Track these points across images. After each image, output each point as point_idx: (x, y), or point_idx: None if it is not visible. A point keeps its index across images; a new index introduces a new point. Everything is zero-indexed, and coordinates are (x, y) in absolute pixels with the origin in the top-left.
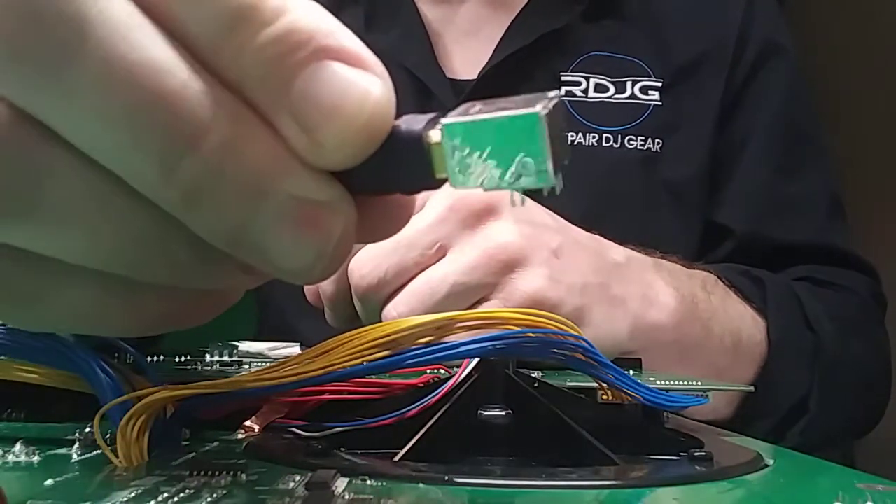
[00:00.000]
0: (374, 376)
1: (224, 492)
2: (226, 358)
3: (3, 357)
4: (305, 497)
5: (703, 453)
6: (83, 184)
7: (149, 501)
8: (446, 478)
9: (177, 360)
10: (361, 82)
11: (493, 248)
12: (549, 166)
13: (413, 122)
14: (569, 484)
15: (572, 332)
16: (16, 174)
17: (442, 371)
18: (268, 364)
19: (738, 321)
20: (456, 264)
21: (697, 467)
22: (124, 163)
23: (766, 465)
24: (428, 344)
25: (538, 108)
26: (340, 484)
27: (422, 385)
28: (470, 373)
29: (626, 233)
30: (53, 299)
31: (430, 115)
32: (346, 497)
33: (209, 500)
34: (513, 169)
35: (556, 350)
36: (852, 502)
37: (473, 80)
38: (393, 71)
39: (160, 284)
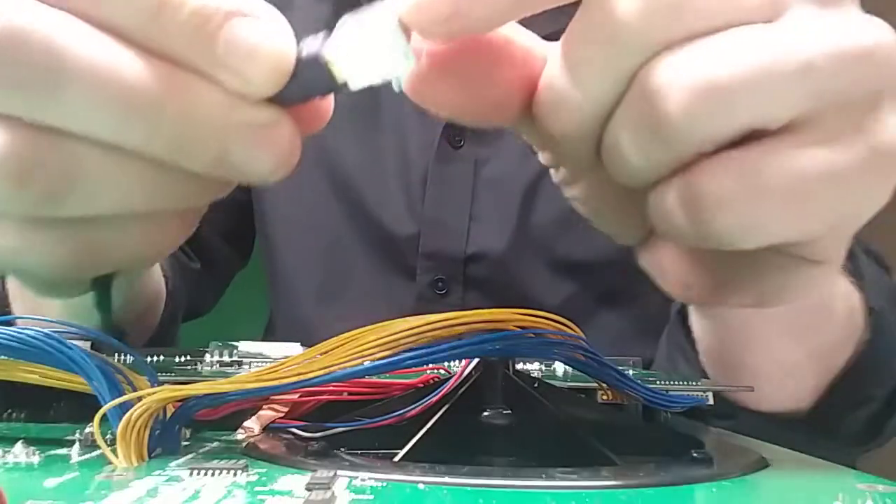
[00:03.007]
0: (374, 376)
1: (224, 492)
2: (226, 358)
3: (3, 357)
4: (305, 497)
5: (703, 453)
6: (105, 162)
7: (149, 501)
8: (446, 478)
9: (177, 360)
10: (264, 27)
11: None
12: (409, 49)
13: (310, 45)
14: (569, 484)
15: (571, 332)
16: (56, 177)
17: (442, 371)
18: (268, 364)
19: (844, 287)
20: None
21: (697, 467)
22: (119, 137)
23: (767, 465)
24: (428, 344)
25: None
26: (340, 484)
27: (422, 385)
28: (470, 373)
29: None
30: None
31: (322, 35)
32: (346, 497)
33: (209, 500)
34: (388, 61)
35: (556, 350)
36: (852, 502)
37: None
38: None
39: (168, 209)
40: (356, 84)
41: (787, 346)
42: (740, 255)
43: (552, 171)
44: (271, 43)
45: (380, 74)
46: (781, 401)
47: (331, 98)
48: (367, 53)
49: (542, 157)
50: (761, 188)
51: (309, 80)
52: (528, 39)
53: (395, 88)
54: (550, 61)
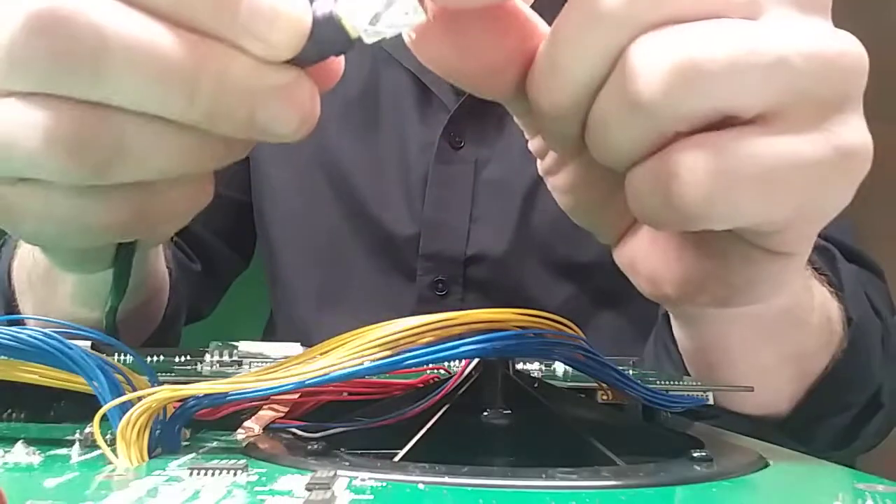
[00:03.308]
0: (374, 376)
1: (224, 492)
2: (226, 358)
3: (3, 357)
4: (305, 497)
5: (703, 453)
6: (148, 132)
7: (149, 501)
8: (446, 478)
9: (177, 360)
10: None
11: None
12: (419, 4)
13: (322, 5)
14: (569, 484)
15: (571, 332)
16: (105, 149)
17: (442, 371)
18: (268, 364)
19: (820, 296)
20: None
21: (697, 467)
22: (160, 108)
23: (767, 465)
24: (428, 344)
25: None
26: (340, 484)
27: (422, 385)
28: (470, 373)
29: None
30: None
31: None
32: (346, 497)
33: (209, 500)
34: (398, 15)
35: (556, 350)
36: (852, 502)
37: None
38: (395, 72)
39: (201, 171)
40: (369, 39)
41: (761, 351)
42: (708, 249)
43: (539, 162)
44: (289, 7)
45: (391, 29)
46: (758, 404)
47: (342, 56)
48: (378, 8)
49: (532, 145)
50: (730, 169)
51: (325, 39)
52: (533, 16)
53: (406, 42)
54: (546, 39)
